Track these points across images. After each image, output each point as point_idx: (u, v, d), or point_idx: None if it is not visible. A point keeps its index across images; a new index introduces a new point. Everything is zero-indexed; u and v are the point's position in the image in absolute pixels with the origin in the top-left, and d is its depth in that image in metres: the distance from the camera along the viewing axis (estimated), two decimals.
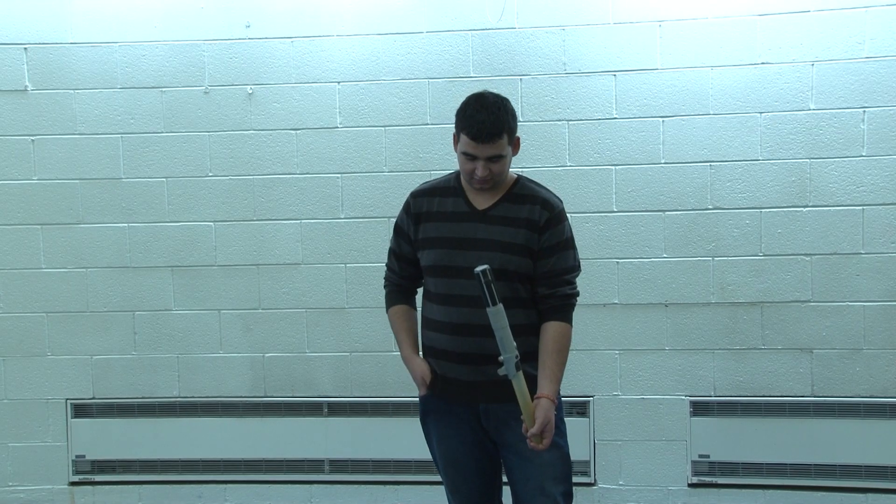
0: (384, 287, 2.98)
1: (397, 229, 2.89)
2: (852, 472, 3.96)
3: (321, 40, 4.14)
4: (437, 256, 2.75)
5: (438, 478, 2.96)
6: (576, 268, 2.77)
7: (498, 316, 2.52)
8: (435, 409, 2.83)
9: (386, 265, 2.97)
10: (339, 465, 4.23)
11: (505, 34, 4.07)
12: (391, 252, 2.93)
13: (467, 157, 2.67)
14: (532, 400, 2.62)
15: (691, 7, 3.97)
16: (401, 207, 2.87)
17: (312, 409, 4.22)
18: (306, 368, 4.23)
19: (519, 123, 2.75)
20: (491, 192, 2.75)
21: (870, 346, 3.96)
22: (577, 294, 2.77)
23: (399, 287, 2.93)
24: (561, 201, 2.79)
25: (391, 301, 2.93)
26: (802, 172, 3.95)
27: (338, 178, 4.18)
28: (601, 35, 4.02)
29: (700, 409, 4.06)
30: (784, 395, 4.01)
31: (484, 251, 2.67)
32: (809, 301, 3.98)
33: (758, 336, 4.02)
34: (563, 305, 2.72)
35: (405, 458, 4.15)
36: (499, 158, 2.66)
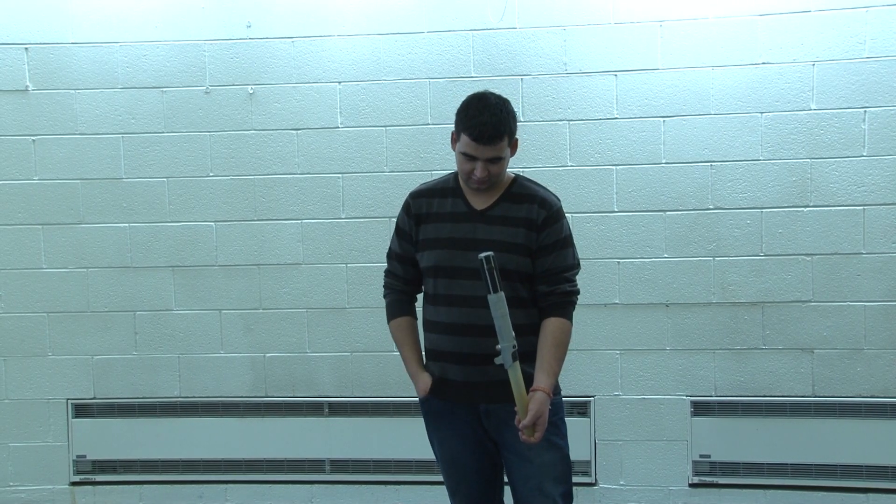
0: (384, 296, 2.94)
1: (398, 231, 2.88)
2: (853, 472, 3.96)
3: (322, 40, 4.14)
4: (437, 257, 2.75)
5: (439, 478, 2.96)
6: (575, 266, 2.77)
7: (499, 304, 2.51)
8: (436, 409, 2.83)
9: (386, 270, 2.94)
10: (340, 465, 4.23)
11: (506, 34, 4.07)
12: (392, 255, 2.91)
13: (466, 157, 2.66)
14: (528, 392, 2.61)
15: (692, 7, 3.97)
16: (400, 208, 2.87)
17: (313, 409, 4.23)
18: (307, 368, 4.23)
19: (520, 123, 2.76)
20: (489, 192, 2.74)
21: (871, 346, 3.96)
22: (578, 292, 2.76)
23: (401, 294, 2.90)
24: (559, 200, 2.79)
25: (393, 312, 2.90)
26: (803, 172, 3.95)
27: (339, 178, 4.18)
28: (602, 35, 4.02)
29: (701, 409, 4.06)
30: (785, 395, 4.01)
31: (484, 251, 2.66)
32: (810, 301, 3.98)
33: (759, 336, 4.02)
34: (563, 302, 2.71)
35: (406, 458, 4.15)
36: (498, 160, 2.66)
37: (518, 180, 2.79)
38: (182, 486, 4.27)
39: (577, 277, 2.77)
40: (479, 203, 2.75)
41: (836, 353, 3.98)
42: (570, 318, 2.72)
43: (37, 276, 4.26)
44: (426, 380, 2.79)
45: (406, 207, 2.84)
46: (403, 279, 2.89)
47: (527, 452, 2.70)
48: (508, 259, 2.66)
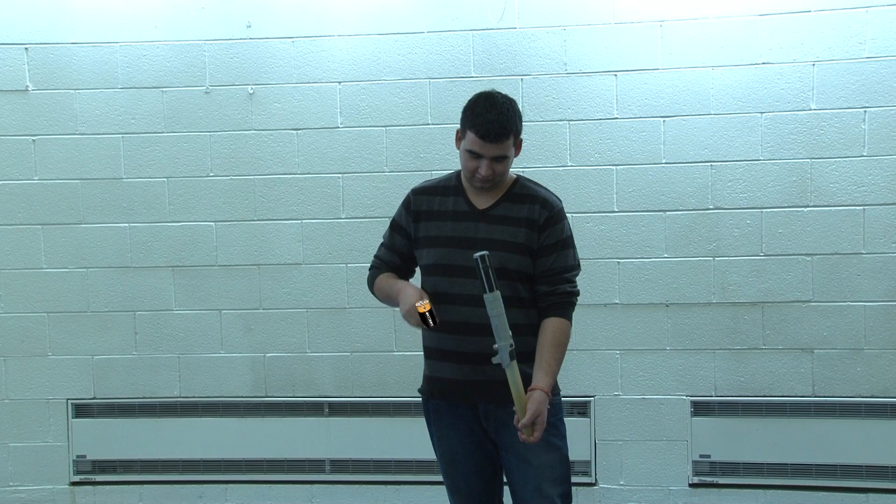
0: (368, 279, 2.94)
1: (394, 224, 2.89)
2: (853, 473, 3.96)
3: (322, 40, 4.14)
4: (437, 256, 2.75)
5: (439, 478, 2.96)
6: (575, 266, 2.77)
7: (495, 303, 2.51)
8: (435, 408, 2.83)
9: (375, 255, 2.94)
10: (340, 465, 4.23)
11: (506, 34, 4.07)
12: (383, 244, 2.93)
13: (472, 155, 2.66)
14: (526, 392, 2.60)
15: (692, 7, 3.97)
16: (401, 202, 2.87)
17: (313, 409, 4.23)
18: (307, 368, 4.23)
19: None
20: (491, 191, 2.74)
21: (871, 346, 3.96)
22: (578, 293, 2.76)
23: (384, 270, 2.90)
24: (560, 201, 2.79)
25: (374, 276, 2.90)
26: (803, 172, 3.95)
27: (339, 178, 4.18)
28: (602, 35, 4.02)
29: (701, 409, 4.06)
30: (785, 395, 4.01)
31: (484, 251, 2.66)
32: (810, 301, 3.98)
33: (759, 336, 4.02)
34: (563, 303, 2.71)
35: (406, 458, 4.15)
36: (503, 159, 2.66)
37: (520, 181, 2.80)
38: (182, 486, 4.27)
39: (577, 278, 2.77)
40: (481, 202, 2.75)
41: (836, 353, 3.98)
42: (569, 318, 2.72)
43: (37, 276, 4.26)
44: (412, 290, 2.69)
45: (406, 203, 2.85)
46: (388, 263, 2.89)
47: (526, 453, 2.69)
48: (509, 259, 2.66)
